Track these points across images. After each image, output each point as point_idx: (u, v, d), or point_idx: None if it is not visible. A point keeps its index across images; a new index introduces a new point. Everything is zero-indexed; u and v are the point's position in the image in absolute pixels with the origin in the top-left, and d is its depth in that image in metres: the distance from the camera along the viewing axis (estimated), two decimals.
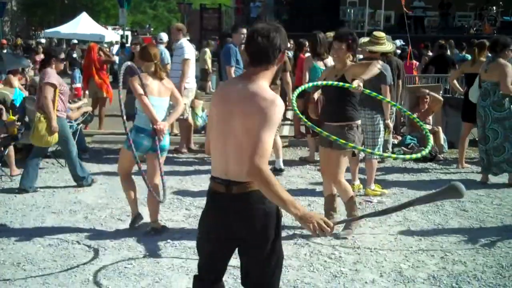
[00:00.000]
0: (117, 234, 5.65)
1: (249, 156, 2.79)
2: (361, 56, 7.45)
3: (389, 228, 5.88)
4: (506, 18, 24.70)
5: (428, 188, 7.29)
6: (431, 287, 4.59)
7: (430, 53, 15.50)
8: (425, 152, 4.15)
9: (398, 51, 12.84)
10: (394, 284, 4.63)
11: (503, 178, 7.63)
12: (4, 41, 26.50)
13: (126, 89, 7.81)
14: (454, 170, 8.36)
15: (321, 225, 2.83)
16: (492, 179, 7.66)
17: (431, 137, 4.67)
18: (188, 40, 9.50)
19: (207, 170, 8.00)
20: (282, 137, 9.00)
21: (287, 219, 6.06)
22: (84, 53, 14.11)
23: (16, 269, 4.86)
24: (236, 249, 3.15)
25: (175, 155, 8.95)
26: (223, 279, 3.30)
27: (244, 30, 9.15)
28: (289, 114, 11.70)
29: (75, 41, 19.23)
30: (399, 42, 14.45)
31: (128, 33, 33.92)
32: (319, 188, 7.36)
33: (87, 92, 12.09)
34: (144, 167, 5.44)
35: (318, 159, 8.76)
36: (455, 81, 8.67)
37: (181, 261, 4.97)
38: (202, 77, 16.87)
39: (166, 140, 5.58)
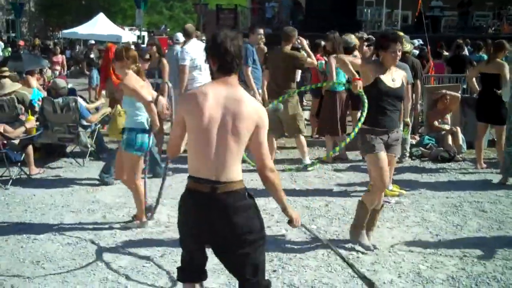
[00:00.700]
0: (135, 233, 5.68)
1: (260, 159, 3.20)
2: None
3: (407, 229, 5.85)
4: None
5: (446, 189, 7.26)
6: None
7: (446, 53, 15.37)
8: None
9: (416, 51, 12.74)
10: (412, 285, 4.60)
11: None
12: (22, 43, 26.77)
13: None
14: (472, 171, 8.29)
15: (299, 220, 3.46)
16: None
17: None
18: (202, 40, 9.48)
19: None
20: None
21: (303, 219, 6.06)
22: (101, 54, 14.19)
23: (36, 267, 4.90)
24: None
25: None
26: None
27: (261, 31, 9.17)
28: (306, 114, 11.67)
29: (93, 42, 19.32)
30: (417, 42, 14.33)
31: (145, 33, 34.08)
32: (336, 189, 7.35)
33: (103, 92, 12.18)
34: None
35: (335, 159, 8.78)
36: (473, 80, 8.59)
37: None
38: None
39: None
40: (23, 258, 5.07)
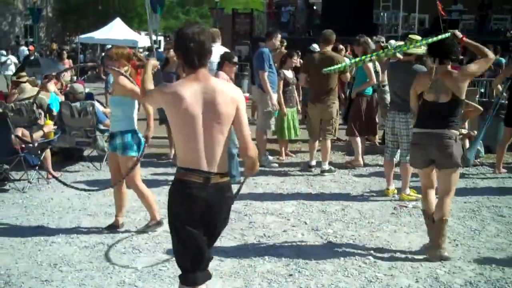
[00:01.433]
0: (152, 237, 5.70)
1: (243, 141, 3.38)
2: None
3: (424, 233, 5.79)
4: None
5: (464, 194, 7.19)
6: None
7: (461, 57, 15.26)
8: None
9: None
10: None
11: None
12: (32, 48, 27.03)
13: None
14: (490, 175, 8.22)
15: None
16: None
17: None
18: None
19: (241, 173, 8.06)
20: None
21: (319, 223, 6.05)
22: None
23: (53, 270, 4.93)
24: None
25: None
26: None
27: (279, 36, 9.19)
28: None
29: (109, 46, 19.41)
30: None
31: (161, 38, 34.22)
32: (352, 193, 7.32)
33: None
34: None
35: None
36: (498, 86, 8.53)
37: (215, 264, 4.97)
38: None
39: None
40: (41, 261, 5.10)
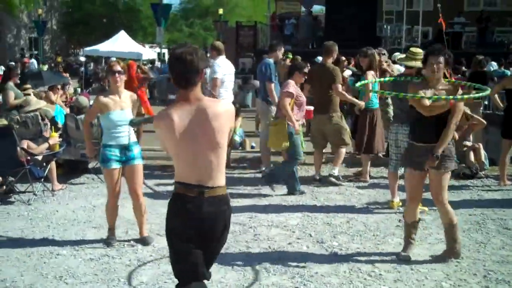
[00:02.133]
0: (157, 249, 5.70)
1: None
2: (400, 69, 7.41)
3: (429, 246, 5.80)
4: None
5: (469, 206, 7.18)
6: None
7: (464, 69, 15.29)
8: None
9: None
10: None
11: None
12: (27, 60, 27.24)
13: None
14: (495, 187, 8.21)
15: None
16: None
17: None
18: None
19: (246, 185, 8.08)
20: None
21: (325, 236, 6.04)
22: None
23: (59, 282, 4.94)
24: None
25: None
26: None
27: (283, 48, 9.24)
28: None
29: (114, 59, 19.50)
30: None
31: (165, 50, 34.37)
32: (357, 205, 7.32)
33: None
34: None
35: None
36: (496, 96, 8.54)
37: (219, 277, 4.98)
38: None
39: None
40: (46, 273, 5.11)
